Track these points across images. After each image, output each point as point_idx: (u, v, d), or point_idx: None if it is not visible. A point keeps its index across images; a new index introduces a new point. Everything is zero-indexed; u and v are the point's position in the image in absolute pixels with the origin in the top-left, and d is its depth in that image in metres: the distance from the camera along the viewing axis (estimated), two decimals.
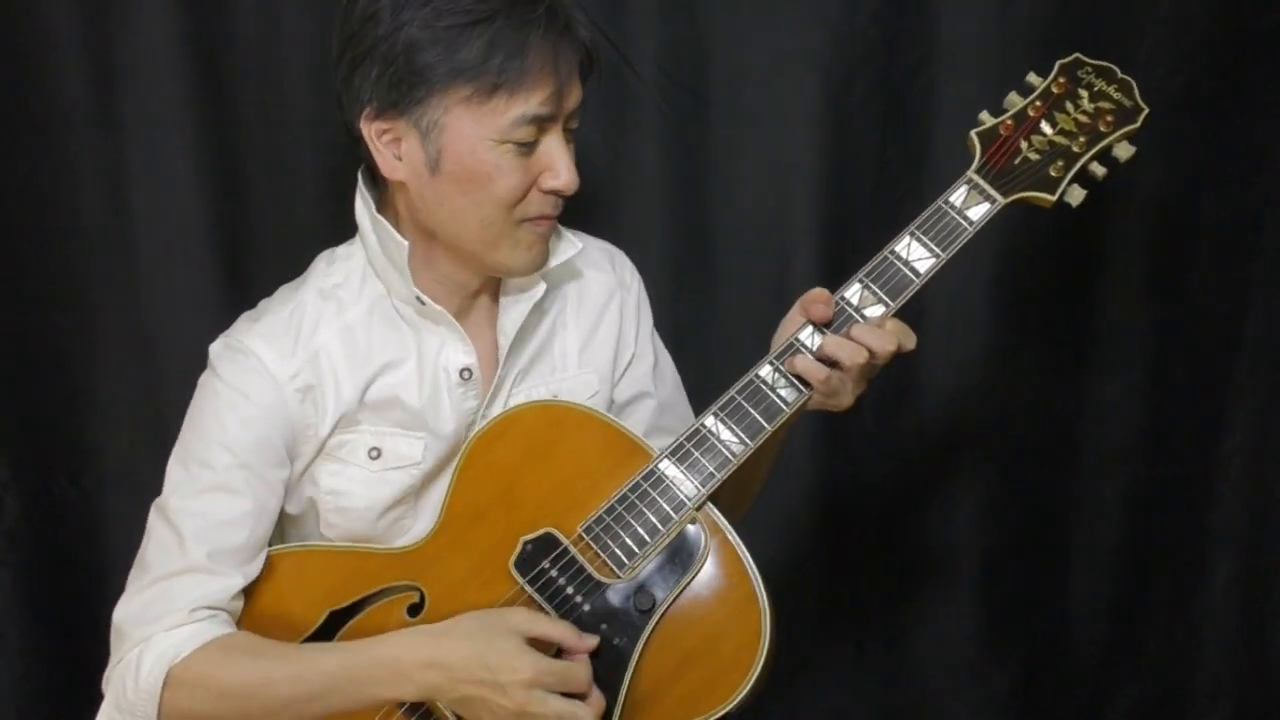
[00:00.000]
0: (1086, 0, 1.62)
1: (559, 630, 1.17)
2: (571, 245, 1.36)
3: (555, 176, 1.23)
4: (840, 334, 1.23)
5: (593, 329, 1.41)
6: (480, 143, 1.20)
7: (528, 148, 1.22)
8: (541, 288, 1.33)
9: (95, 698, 1.25)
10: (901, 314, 1.73)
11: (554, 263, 1.33)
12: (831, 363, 1.22)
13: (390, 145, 1.24)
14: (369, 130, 1.23)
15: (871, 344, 1.22)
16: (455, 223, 1.25)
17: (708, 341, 1.71)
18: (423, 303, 1.28)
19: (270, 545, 1.28)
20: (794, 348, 1.24)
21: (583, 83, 1.26)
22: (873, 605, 1.85)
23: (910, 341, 1.25)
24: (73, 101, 1.58)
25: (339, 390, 1.27)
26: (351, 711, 1.18)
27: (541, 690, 1.12)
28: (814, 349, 1.23)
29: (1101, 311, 1.74)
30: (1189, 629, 1.85)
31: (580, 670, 1.15)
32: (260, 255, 1.65)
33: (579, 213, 1.68)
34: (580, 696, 1.15)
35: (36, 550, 1.71)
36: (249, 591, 1.25)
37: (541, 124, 1.21)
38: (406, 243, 1.26)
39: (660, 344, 1.51)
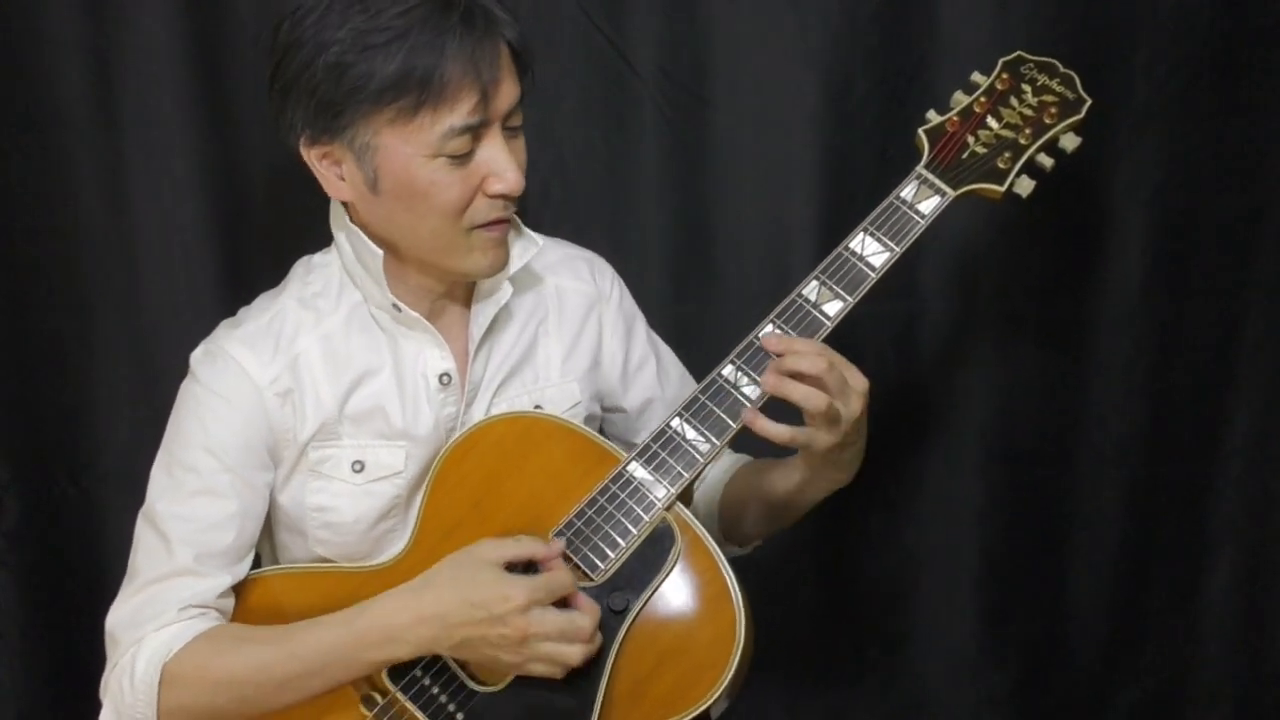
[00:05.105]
0: (1086, 0, 1.62)
1: (527, 547, 1.18)
2: (532, 243, 1.34)
3: (499, 180, 1.22)
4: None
5: (575, 339, 1.41)
6: (413, 160, 1.19)
7: (464, 158, 1.20)
8: (507, 290, 1.33)
9: (96, 698, 1.25)
10: (893, 319, 1.73)
11: (516, 265, 1.32)
12: (798, 376, 1.20)
13: (331, 168, 1.24)
14: (308, 155, 1.24)
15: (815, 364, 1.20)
16: (407, 236, 1.25)
17: (708, 341, 1.71)
18: (399, 309, 1.28)
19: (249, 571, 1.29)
20: (753, 345, 1.25)
21: (520, 78, 1.23)
22: (872, 605, 1.85)
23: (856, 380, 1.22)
24: (72, 101, 1.58)
25: (319, 397, 1.28)
26: (351, 681, 1.20)
27: (538, 609, 1.13)
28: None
29: (1101, 311, 1.74)
30: (1189, 628, 1.84)
31: (564, 576, 1.17)
32: (259, 255, 1.65)
33: (580, 214, 1.69)
34: (568, 604, 1.16)
35: (36, 550, 1.71)
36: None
37: (474, 132, 1.20)
38: (381, 251, 1.26)
39: (658, 340, 1.51)
